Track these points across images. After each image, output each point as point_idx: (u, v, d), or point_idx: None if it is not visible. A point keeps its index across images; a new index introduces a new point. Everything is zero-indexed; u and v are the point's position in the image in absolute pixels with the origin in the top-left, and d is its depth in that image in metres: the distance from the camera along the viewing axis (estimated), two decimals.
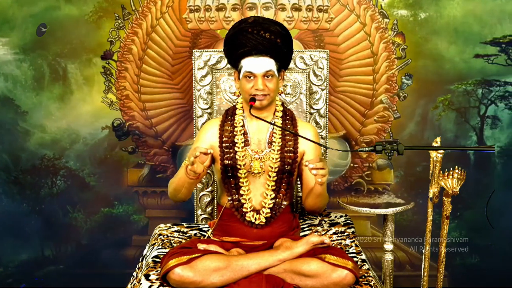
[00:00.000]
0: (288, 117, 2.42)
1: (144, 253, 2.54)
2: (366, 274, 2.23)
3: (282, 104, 2.45)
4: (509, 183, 3.43)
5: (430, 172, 2.44)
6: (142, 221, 3.52)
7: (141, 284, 2.14)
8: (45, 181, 3.48)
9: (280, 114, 2.41)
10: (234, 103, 2.49)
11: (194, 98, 2.79)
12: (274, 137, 2.37)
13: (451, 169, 2.38)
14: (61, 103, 3.42)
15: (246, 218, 2.34)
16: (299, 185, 2.66)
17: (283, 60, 2.37)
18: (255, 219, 2.33)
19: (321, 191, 2.24)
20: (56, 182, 3.49)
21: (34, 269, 3.54)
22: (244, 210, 2.34)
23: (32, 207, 3.50)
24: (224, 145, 2.35)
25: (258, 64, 2.28)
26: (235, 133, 2.37)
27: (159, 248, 2.41)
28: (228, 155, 2.35)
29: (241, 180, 2.34)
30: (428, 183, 2.47)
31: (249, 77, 2.30)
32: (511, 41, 3.35)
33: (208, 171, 2.80)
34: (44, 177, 3.48)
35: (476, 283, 3.50)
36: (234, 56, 2.34)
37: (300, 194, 2.72)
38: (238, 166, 2.34)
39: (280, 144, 2.36)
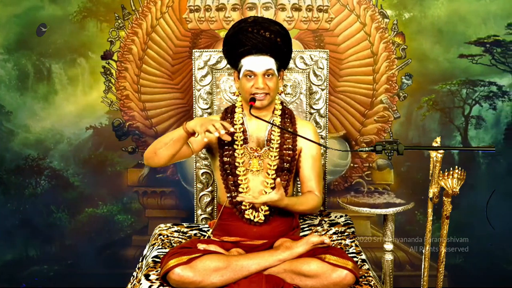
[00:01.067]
0: (287, 116, 2.43)
1: (144, 253, 2.54)
2: (366, 274, 2.23)
3: (281, 103, 2.45)
4: (494, 183, 3.43)
5: (430, 172, 2.44)
6: (126, 221, 3.51)
7: (141, 284, 2.14)
8: (29, 181, 3.48)
9: (279, 112, 2.41)
10: (234, 103, 2.49)
11: (194, 98, 2.79)
12: (273, 135, 2.38)
13: (451, 169, 2.38)
14: (45, 103, 3.42)
15: (244, 215, 2.34)
16: (299, 185, 2.65)
17: (283, 60, 2.38)
18: (254, 216, 2.33)
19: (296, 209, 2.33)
20: (40, 182, 3.49)
21: (18, 270, 3.53)
22: (243, 207, 2.35)
23: (16, 207, 3.49)
24: (223, 142, 2.36)
25: (258, 63, 2.29)
26: (234, 130, 2.38)
27: (159, 248, 2.41)
28: (227, 152, 2.36)
29: (240, 178, 2.35)
30: (428, 183, 2.48)
31: (250, 76, 2.30)
32: (495, 41, 3.36)
33: (208, 171, 2.80)
34: (28, 177, 3.48)
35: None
36: (234, 56, 2.34)
37: (300, 194, 2.71)
38: (237, 164, 2.34)
39: (279, 142, 2.37)
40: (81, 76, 3.41)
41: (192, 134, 2.21)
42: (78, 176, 3.49)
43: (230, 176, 2.36)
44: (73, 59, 3.40)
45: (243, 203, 2.34)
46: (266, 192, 2.34)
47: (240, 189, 2.35)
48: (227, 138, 2.21)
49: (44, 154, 3.46)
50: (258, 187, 2.35)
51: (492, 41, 3.36)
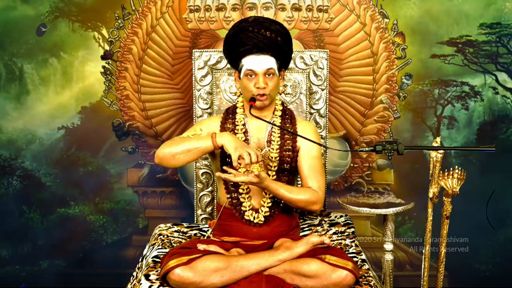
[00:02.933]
0: (287, 116, 2.43)
1: (144, 253, 2.54)
2: (366, 274, 2.22)
3: (282, 104, 2.45)
4: (466, 184, 3.42)
5: (430, 172, 2.44)
6: (98, 221, 3.51)
7: (141, 284, 2.14)
8: (1, 181, 3.48)
9: (280, 113, 2.41)
10: (234, 103, 2.49)
11: (194, 98, 2.79)
12: (273, 136, 2.38)
13: (451, 169, 2.38)
14: (17, 103, 3.42)
15: (245, 216, 2.34)
16: (299, 185, 2.65)
17: (284, 59, 2.37)
18: (254, 217, 2.33)
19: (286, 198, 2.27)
20: (12, 182, 3.49)
21: None
22: (243, 208, 2.34)
23: None
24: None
25: (259, 62, 2.28)
26: (236, 131, 2.38)
27: (159, 248, 2.41)
28: (228, 153, 2.35)
29: None
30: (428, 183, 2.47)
31: (250, 76, 2.30)
32: (467, 41, 3.36)
33: (208, 171, 2.80)
34: (0, 177, 3.48)
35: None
36: (234, 55, 2.34)
37: None
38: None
39: (279, 143, 2.37)
40: (53, 76, 3.41)
41: (220, 148, 2.20)
42: (50, 176, 3.48)
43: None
44: (45, 59, 3.40)
45: (243, 204, 2.34)
46: (266, 194, 2.34)
47: (240, 190, 2.34)
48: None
49: (16, 154, 3.46)
50: (258, 188, 2.34)
51: (465, 41, 3.37)
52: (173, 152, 2.22)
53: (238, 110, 2.42)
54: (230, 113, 2.44)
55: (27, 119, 3.44)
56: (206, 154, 2.36)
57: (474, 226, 3.29)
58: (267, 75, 2.30)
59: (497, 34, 3.36)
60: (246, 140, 2.37)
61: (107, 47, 3.39)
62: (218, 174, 2.21)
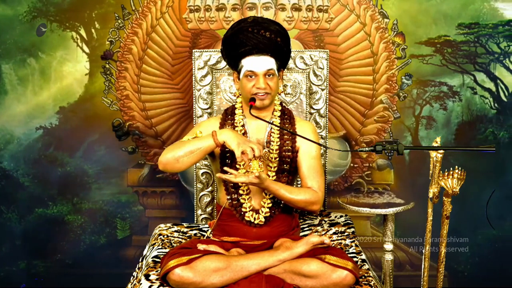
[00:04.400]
0: (286, 116, 2.42)
1: (144, 253, 2.54)
2: (366, 274, 2.22)
3: (281, 104, 2.45)
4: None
5: (430, 172, 2.44)
6: (76, 221, 3.51)
7: (141, 284, 2.14)
8: None
9: (279, 113, 2.41)
10: (234, 103, 2.49)
11: (194, 98, 2.79)
12: (273, 137, 2.38)
13: (451, 169, 2.38)
14: None
15: (245, 217, 2.34)
16: (299, 185, 2.66)
17: (283, 59, 2.37)
18: (254, 218, 2.33)
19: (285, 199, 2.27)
20: None
21: None
22: (243, 209, 2.34)
23: None
24: (223, 143, 2.35)
25: (259, 63, 2.28)
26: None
27: (159, 248, 2.41)
28: (228, 154, 2.35)
29: None
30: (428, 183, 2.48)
31: (250, 76, 2.29)
32: (446, 41, 3.37)
33: (208, 171, 2.80)
34: None
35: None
36: (234, 56, 2.34)
37: None
38: (237, 166, 2.33)
39: (279, 143, 2.36)
40: (31, 76, 3.42)
41: (222, 145, 2.20)
42: (28, 176, 3.49)
43: None
44: (23, 59, 3.41)
45: (243, 205, 2.34)
46: (266, 194, 2.34)
47: (240, 191, 2.34)
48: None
49: None
50: (258, 189, 2.34)
51: (443, 41, 3.38)
52: (176, 156, 2.22)
53: (237, 111, 2.42)
54: (229, 114, 2.44)
55: (5, 119, 3.44)
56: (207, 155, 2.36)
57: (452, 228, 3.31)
58: (267, 76, 2.30)
59: (475, 34, 3.37)
60: None
61: (85, 47, 3.40)
62: (218, 175, 2.21)
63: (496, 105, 3.44)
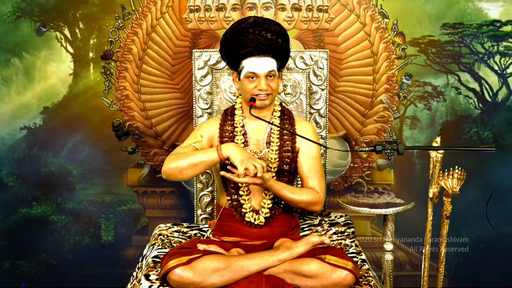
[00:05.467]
0: (286, 117, 2.42)
1: (144, 253, 2.54)
2: (366, 274, 2.22)
3: (280, 104, 2.45)
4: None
5: (430, 172, 2.44)
6: (61, 221, 3.50)
7: (141, 284, 2.14)
8: None
9: (278, 114, 2.40)
10: (234, 103, 2.49)
11: (194, 98, 2.79)
12: (272, 137, 2.37)
13: (451, 169, 2.38)
14: None
15: (245, 218, 2.33)
16: (299, 185, 2.65)
17: (283, 60, 2.37)
18: (255, 219, 2.33)
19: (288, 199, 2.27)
20: None
21: None
22: (243, 210, 2.34)
23: None
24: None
25: (261, 65, 2.28)
26: (235, 133, 2.37)
27: (159, 248, 2.41)
28: None
29: None
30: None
31: (252, 78, 2.29)
32: (430, 41, 3.38)
33: (208, 171, 2.80)
34: None
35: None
36: (234, 57, 2.33)
37: None
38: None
39: (278, 144, 2.36)
40: (15, 76, 3.43)
41: (226, 159, 2.20)
42: (12, 176, 3.48)
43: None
44: (7, 59, 3.42)
45: (243, 206, 2.34)
46: (266, 195, 2.34)
47: (240, 192, 2.34)
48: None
49: None
50: (258, 189, 2.34)
51: (427, 41, 3.38)
52: (179, 167, 2.22)
53: (236, 112, 2.41)
54: (228, 115, 2.43)
55: None
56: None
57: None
58: (268, 77, 2.29)
59: (459, 34, 3.37)
60: (246, 142, 2.37)
61: (69, 47, 3.40)
62: (222, 173, 2.21)
63: (480, 105, 3.45)
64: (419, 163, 3.48)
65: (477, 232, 3.44)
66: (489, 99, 3.44)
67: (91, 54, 3.43)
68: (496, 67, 3.41)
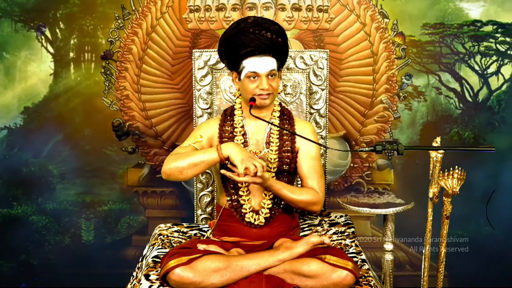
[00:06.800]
0: (285, 117, 2.42)
1: (144, 253, 2.54)
2: (366, 274, 2.22)
3: (280, 104, 2.45)
4: (410, 184, 3.44)
5: (430, 172, 2.44)
6: (41, 221, 3.50)
7: (141, 284, 2.14)
8: None
9: (278, 114, 2.40)
10: (233, 103, 2.49)
11: (194, 98, 2.79)
12: (272, 137, 2.37)
13: (451, 169, 2.38)
14: None
15: (245, 218, 2.33)
16: (299, 185, 2.65)
17: (283, 59, 2.37)
18: (255, 219, 2.33)
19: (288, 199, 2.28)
20: None
21: None
22: (243, 210, 2.34)
23: None
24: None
25: (262, 64, 2.27)
26: (234, 133, 2.37)
27: (159, 248, 2.41)
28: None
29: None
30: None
31: (253, 77, 2.29)
32: (411, 41, 3.38)
33: (208, 171, 2.80)
34: None
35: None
36: (234, 57, 2.32)
37: None
38: None
39: (278, 144, 2.36)
40: None
41: (226, 159, 2.20)
42: None
43: (230, 179, 2.35)
44: None
45: (243, 206, 2.34)
46: (266, 195, 2.34)
47: (240, 192, 2.34)
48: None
49: None
50: (258, 189, 2.34)
51: (408, 41, 3.39)
52: (179, 167, 2.21)
53: (236, 112, 2.41)
54: (228, 115, 2.43)
55: None
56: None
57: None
58: (269, 76, 2.29)
59: (440, 35, 3.38)
60: (245, 142, 2.37)
61: (50, 47, 3.40)
62: (223, 171, 2.21)
63: (461, 105, 3.45)
64: (399, 163, 3.48)
65: (457, 232, 3.39)
66: (469, 99, 3.44)
67: (71, 54, 3.43)
68: (476, 67, 3.42)
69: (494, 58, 3.41)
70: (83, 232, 3.52)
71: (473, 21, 3.37)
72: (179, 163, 2.21)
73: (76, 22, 3.39)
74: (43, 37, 3.37)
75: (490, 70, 3.42)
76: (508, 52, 3.41)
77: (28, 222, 3.50)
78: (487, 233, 3.44)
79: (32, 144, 3.46)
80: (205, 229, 2.63)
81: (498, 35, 3.39)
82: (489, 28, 3.38)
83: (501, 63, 3.42)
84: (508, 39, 3.39)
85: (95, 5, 3.37)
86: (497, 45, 3.40)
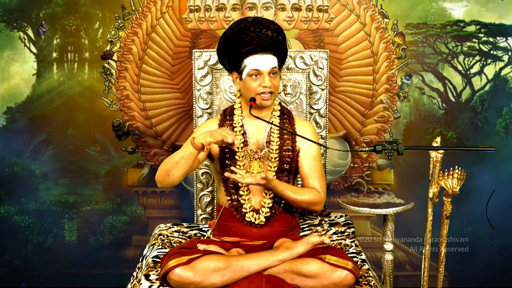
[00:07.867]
0: (285, 116, 2.42)
1: (144, 253, 2.54)
2: (366, 274, 2.23)
3: (280, 103, 2.45)
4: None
5: (430, 172, 2.44)
6: (24, 222, 3.49)
7: (141, 284, 2.14)
8: None
9: (278, 113, 2.40)
10: (234, 103, 2.49)
11: (194, 98, 2.79)
12: (272, 137, 2.37)
13: (451, 169, 2.38)
14: None
15: (245, 218, 2.33)
16: (299, 185, 2.65)
17: (283, 58, 2.38)
18: (255, 219, 2.33)
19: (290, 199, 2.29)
20: None
21: None
22: (243, 210, 2.34)
23: None
24: (223, 145, 2.35)
25: (264, 62, 2.28)
26: (234, 133, 2.37)
27: (159, 248, 2.41)
28: (228, 155, 2.35)
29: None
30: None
31: (255, 76, 2.29)
32: (394, 41, 3.37)
33: (208, 171, 2.80)
34: None
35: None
36: (235, 56, 2.31)
37: None
38: (238, 167, 2.33)
39: (278, 143, 2.36)
40: None
41: (202, 149, 2.21)
42: None
43: (230, 179, 2.35)
44: None
45: (244, 206, 2.34)
46: (266, 194, 2.34)
47: (240, 192, 2.34)
48: (234, 143, 2.20)
49: None
50: (258, 189, 2.34)
51: (392, 42, 3.38)
52: (165, 170, 2.27)
53: (235, 111, 2.41)
54: (227, 115, 2.43)
55: None
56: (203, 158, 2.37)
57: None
58: (271, 74, 2.30)
59: (423, 35, 3.38)
60: (245, 142, 2.37)
61: (33, 48, 3.40)
62: (227, 174, 2.22)
63: (444, 105, 3.45)
64: (382, 163, 3.48)
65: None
66: (452, 99, 3.44)
67: (54, 54, 3.43)
68: (460, 67, 3.42)
69: (477, 58, 3.41)
70: (66, 232, 3.52)
71: (456, 21, 3.37)
72: (164, 166, 2.28)
73: (59, 22, 3.39)
74: (25, 37, 3.37)
75: (473, 70, 3.42)
76: (491, 52, 3.40)
77: (11, 222, 3.50)
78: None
79: (15, 144, 3.45)
80: (205, 229, 2.63)
81: (481, 35, 3.38)
82: (472, 28, 3.37)
83: (484, 63, 3.42)
84: (491, 39, 3.39)
85: (77, 5, 3.37)
86: (480, 45, 3.39)
